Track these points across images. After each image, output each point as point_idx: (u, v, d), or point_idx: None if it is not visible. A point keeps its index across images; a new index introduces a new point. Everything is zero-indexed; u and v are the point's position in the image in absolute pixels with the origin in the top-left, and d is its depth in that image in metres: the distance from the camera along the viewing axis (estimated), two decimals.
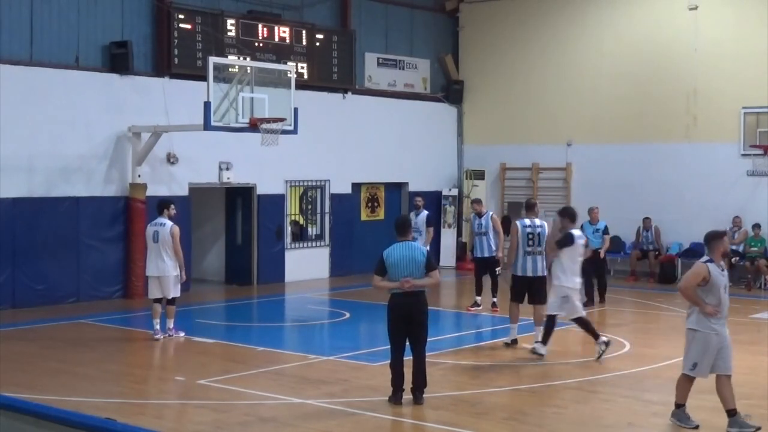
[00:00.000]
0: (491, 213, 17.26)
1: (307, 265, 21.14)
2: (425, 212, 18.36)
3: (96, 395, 10.57)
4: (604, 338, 12.64)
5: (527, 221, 13.52)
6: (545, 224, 13.62)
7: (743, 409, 10.09)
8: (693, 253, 21.38)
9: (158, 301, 14.09)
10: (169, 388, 11.19)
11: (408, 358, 10.21)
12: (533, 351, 12.75)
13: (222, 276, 20.97)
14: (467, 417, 9.73)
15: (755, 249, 20.46)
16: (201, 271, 20.79)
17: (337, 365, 12.32)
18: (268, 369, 12.06)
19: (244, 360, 12.60)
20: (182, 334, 14.09)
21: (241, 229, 20.73)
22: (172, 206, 14.34)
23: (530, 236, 13.36)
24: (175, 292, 14.01)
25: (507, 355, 13.00)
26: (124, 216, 17.96)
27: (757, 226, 20.51)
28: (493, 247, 16.66)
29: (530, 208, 13.77)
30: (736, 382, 11.28)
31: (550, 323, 12.75)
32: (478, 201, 17.84)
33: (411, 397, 10.13)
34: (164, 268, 13.92)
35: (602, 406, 10.27)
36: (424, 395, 10.15)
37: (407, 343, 10.20)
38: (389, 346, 10.26)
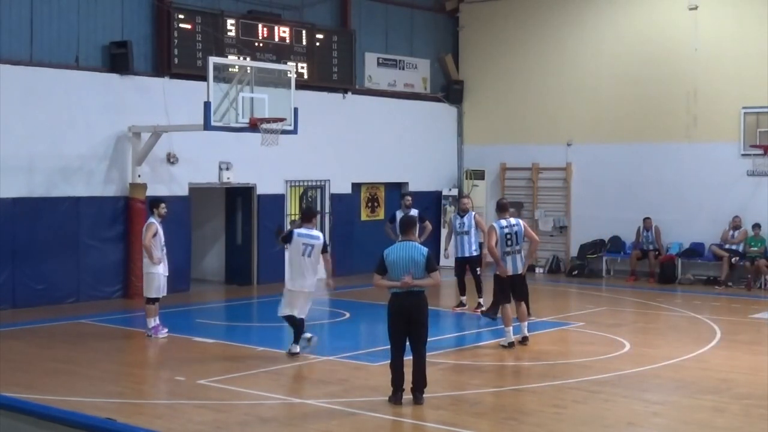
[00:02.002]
0: (473, 213, 17.12)
1: None
2: (415, 210, 18.10)
3: (96, 395, 10.57)
4: (296, 349, 12.57)
5: (504, 222, 13.53)
6: (521, 222, 13.70)
7: (743, 410, 10.11)
8: (693, 252, 21.43)
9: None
10: (169, 388, 11.19)
11: (408, 358, 10.21)
12: (289, 352, 12.60)
13: (222, 276, 20.97)
14: (467, 417, 9.73)
15: (755, 249, 20.45)
16: (201, 271, 20.79)
17: (337, 365, 12.31)
18: (268, 369, 12.05)
19: (244, 360, 12.60)
20: (165, 331, 14.05)
21: (241, 229, 20.73)
22: (162, 205, 14.33)
23: (508, 236, 13.39)
24: (147, 292, 14.05)
25: (507, 355, 13.00)
26: (124, 216, 17.96)
27: (757, 226, 20.51)
28: (474, 246, 16.63)
29: (504, 209, 13.76)
30: (736, 381, 11.32)
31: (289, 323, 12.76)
32: (467, 196, 17.82)
33: (411, 397, 10.13)
34: (143, 266, 14.21)
35: (602, 406, 10.27)
36: (424, 395, 10.14)
37: (407, 343, 10.19)
38: (389, 346, 10.26)
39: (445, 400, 10.45)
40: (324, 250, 12.79)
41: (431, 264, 10.09)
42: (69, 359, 12.57)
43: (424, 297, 10.18)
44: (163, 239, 14.14)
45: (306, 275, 12.69)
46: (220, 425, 9.34)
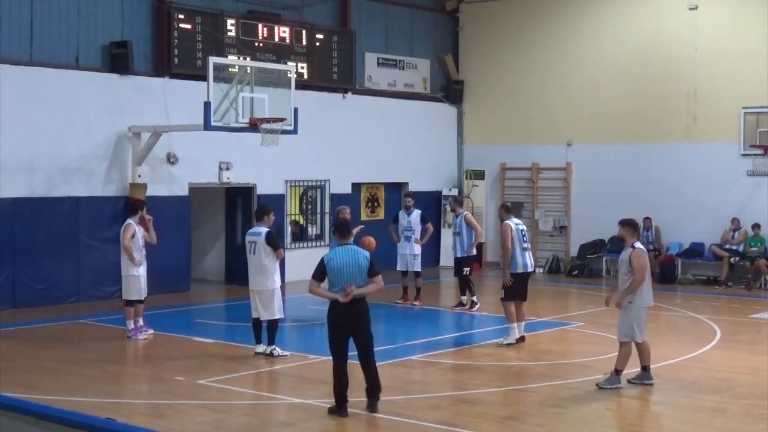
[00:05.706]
0: (465, 213, 17.24)
1: (307, 265, 20.91)
2: (417, 211, 18.02)
3: (96, 395, 10.57)
4: (259, 348, 12.76)
5: (516, 220, 13.90)
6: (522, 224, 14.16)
7: (743, 409, 10.12)
8: (693, 253, 21.43)
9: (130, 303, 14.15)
10: (169, 388, 11.18)
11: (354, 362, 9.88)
12: (271, 353, 12.60)
13: (222, 276, 20.95)
14: (467, 417, 9.73)
15: (755, 249, 20.45)
16: (201, 271, 20.79)
17: None
18: (268, 369, 12.06)
19: (244, 360, 12.60)
20: (151, 332, 14.06)
21: (241, 229, 20.68)
22: (144, 208, 14.43)
23: (523, 232, 13.75)
24: (126, 294, 13.94)
25: (507, 354, 13.00)
26: (124, 216, 17.83)
27: (756, 226, 20.50)
28: (465, 247, 16.75)
29: (509, 210, 14.10)
30: (736, 381, 11.32)
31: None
32: (457, 199, 17.98)
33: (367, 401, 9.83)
34: (121, 267, 14.12)
35: (602, 406, 10.27)
36: (379, 400, 9.81)
37: (354, 351, 9.81)
38: (330, 355, 9.90)
39: (445, 400, 10.46)
40: (271, 244, 12.62)
41: (374, 269, 9.72)
42: (69, 359, 12.56)
43: (364, 303, 9.83)
44: (141, 241, 14.06)
45: (252, 273, 12.83)
46: (220, 425, 9.34)
